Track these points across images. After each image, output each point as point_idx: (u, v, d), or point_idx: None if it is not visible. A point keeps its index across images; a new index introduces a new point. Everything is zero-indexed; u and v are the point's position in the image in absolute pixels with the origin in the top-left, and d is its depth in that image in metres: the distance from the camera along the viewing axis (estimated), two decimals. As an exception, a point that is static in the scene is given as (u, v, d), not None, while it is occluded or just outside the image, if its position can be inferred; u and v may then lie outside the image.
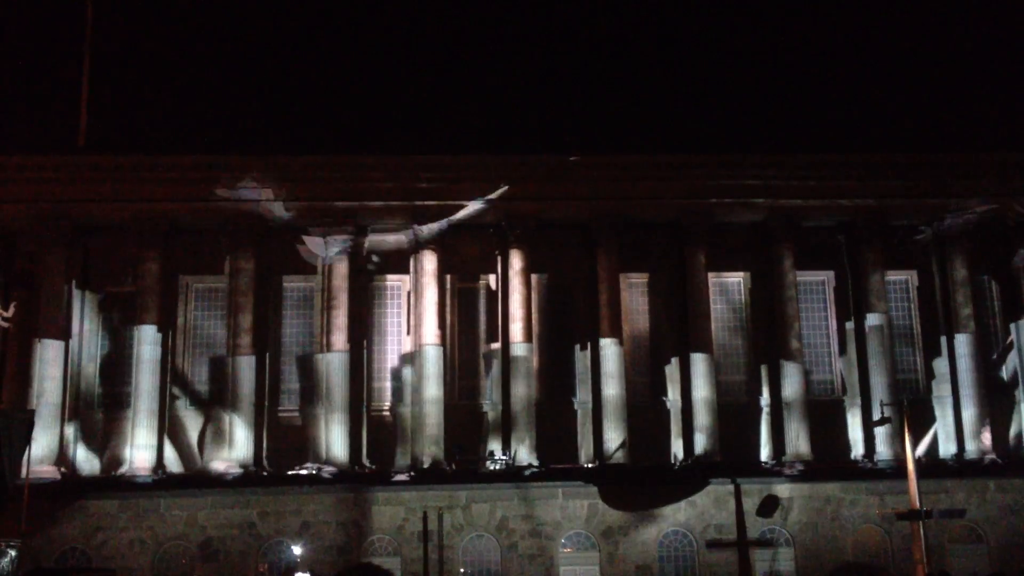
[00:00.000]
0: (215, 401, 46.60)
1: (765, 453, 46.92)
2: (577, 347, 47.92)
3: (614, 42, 58.49)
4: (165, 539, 43.04)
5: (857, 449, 46.89)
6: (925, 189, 48.02)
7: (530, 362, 46.46)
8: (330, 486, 43.73)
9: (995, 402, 47.56)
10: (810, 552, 43.92)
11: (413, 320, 47.01)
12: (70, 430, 45.56)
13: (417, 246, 47.05)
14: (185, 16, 55.13)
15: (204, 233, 47.43)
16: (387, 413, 47.28)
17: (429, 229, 46.81)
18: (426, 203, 46.86)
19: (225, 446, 45.17)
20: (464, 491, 43.83)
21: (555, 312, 48.62)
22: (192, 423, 46.68)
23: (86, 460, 45.79)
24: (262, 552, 43.32)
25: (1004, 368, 48.74)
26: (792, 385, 46.51)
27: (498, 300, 47.85)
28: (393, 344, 48.03)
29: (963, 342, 47.50)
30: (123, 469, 44.80)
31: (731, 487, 44.19)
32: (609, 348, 46.41)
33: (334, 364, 45.70)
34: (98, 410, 46.74)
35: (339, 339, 45.95)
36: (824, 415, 47.10)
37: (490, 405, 47.14)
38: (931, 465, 44.98)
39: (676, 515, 44.07)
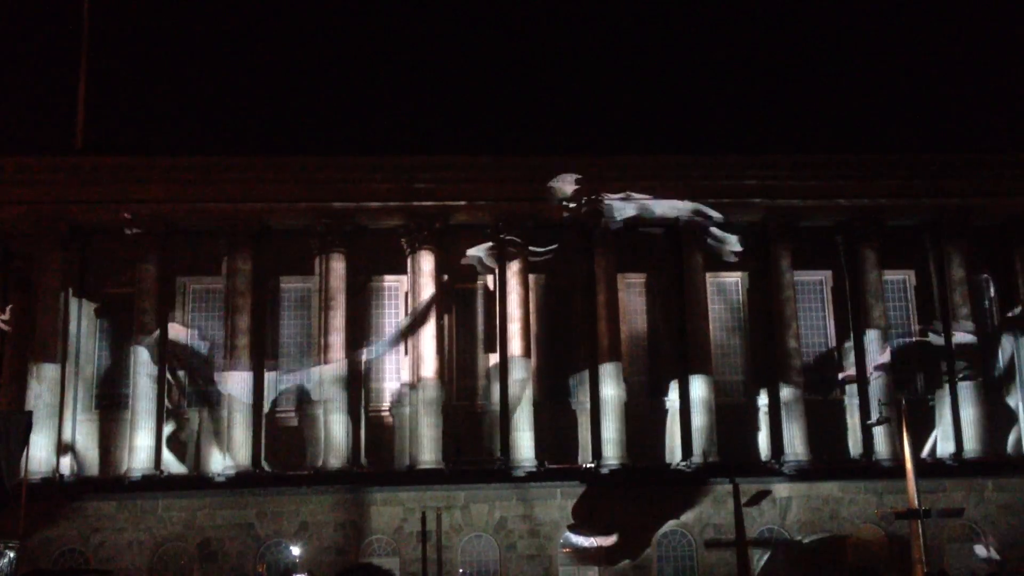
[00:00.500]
0: (213, 402, 46.53)
1: (763, 453, 46.89)
2: (575, 347, 47.85)
3: (612, 43, 58.60)
4: (163, 540, 42.96)
5: (856, 448, 46.86)
6: (922, 189, 48.09)
7: (528, 362, 46.43)
8: (328, 487, 43.66)
9: (993, 401, 47.57)
10: (805, 550, 43.90)
11: (411, 321, 46.93)
12: (68, 431, 45.44)
13: (415, 247, 47.01)
14: (182, 17, 55.20)
15: (201, 234, 47.38)
16: (385, 414, 47.23)
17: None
18: (424, 203, 46.86)
19: (223, 447, 45.11)
20: (462, 491, 43.80)
21: (553, 313, 48.59)
22: (190, 424, 46.59)
23: (84, 461, 45.70)
24: (260, 553, 43.23)
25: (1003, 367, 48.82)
26: (789, 385, 46.50)
27: (496, 301, 47.80)
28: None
29: (961, 341, 47.47)
30: (121, 470, 44.75)
31: (729, 487, 44.12)
32: (607, 348, 46.37)
33: (332, 365, 45.65)
34: (96, 411, 46.66)
35: (337, 340, 45.90)
36: (822, 415, 47.07)
37: (488, 405, 47.09)
38: (929, 464, 45.00)
39: (675, 514, 44.01)
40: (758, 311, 48.54)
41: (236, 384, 45.35)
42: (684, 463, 46.10)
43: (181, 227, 47.21)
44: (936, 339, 48.55)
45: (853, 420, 47.33)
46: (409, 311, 47.18)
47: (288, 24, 57.36)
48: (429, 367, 45.83)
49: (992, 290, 49.89)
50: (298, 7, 58.09)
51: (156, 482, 44.05)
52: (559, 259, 48.62)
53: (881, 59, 57.49)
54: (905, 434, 38.96)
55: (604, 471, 45.08)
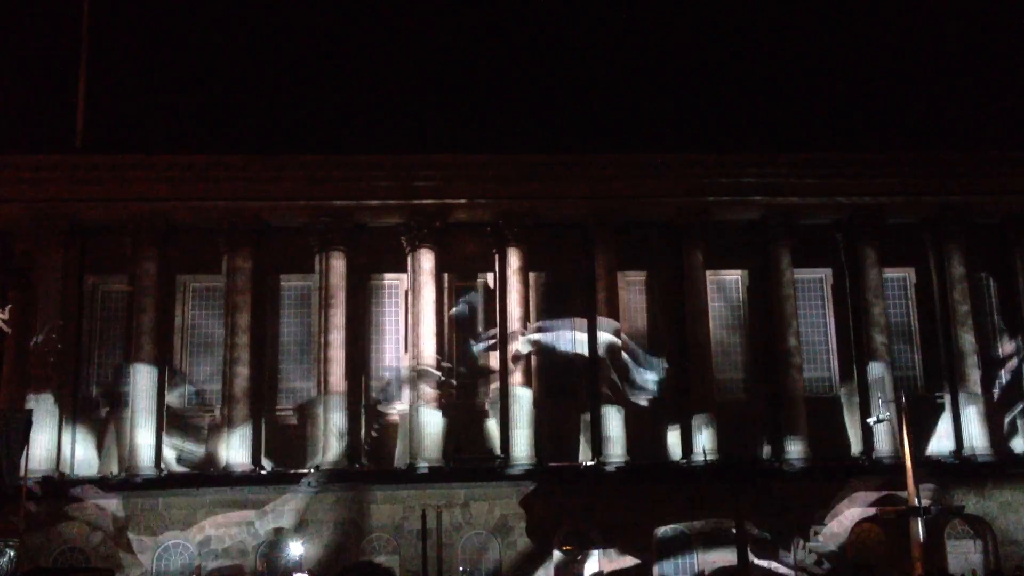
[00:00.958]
0: (213, 400, 46.57)
1: (764, 451, 46.88)
2: (575, 346, 47.87)
3: (611, 42, 58.54)
4: (164, 538, 43.00)
5: (855, 446, 46.87)
6: (922, 186, 48.08)
7: (528, 361, 46.44)
8: (329, 485, 43.67)
9: (993, 399, 47.57)
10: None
11: (411, 319, 46.96)
12: (68, 429, 45.45)
13: (415, 245, 47.03)
14: (182, 16, 55.15)
15: (202, 232, 47.40)
16: (385, 411, 47.22)
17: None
18: (424, 202, 46.88)
19: (224, 445, 45.11)
20: (463, 490, 43.82)
21: (553, 310, 48.57)
22: (190, 422, 46.61)
23: (84, 459, 45.69)
24: (261, 551, 43.29)
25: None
26: (789, 382, 46.51)
27: (496, 299, 47.81)
28: (391, 342, 47.97)
29: (961, 339, 47.46)
30: (122, 468, 44.74)
31: (727, 485, 44.11)
32: (607, 347, 46.40)
33: (331, 363, 45.67)
34: (96, 409, 46.66)
35: (337, 338, 45.92)
36: (822, 412, 47.08)
37: (488, 404, 47.11)
38: (929, 462, 45.00)
39: (674, 512, 44.02)
40: (758, 309, 48.55)
41: (236, 382, 45.34)
42: (684, 461, 46.10)
43: (181, 225, 47.25)
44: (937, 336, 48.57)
45: (853, 418, 47.19)
46: (409, 309, 47.18)
47: (288, 23, 57.33)
48: (429, 365, 45.80)
49: (992, 287, 49.85)
50: (298, 6, 58.07)
51: (157, 480, 44.06)
52: (559, 257, 48.63)
53: (881, 56, 57.43)
54: (905, 432, 39.01)
55: (609, 469, 45.05)
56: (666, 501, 43.98)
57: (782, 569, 43.46)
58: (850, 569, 43.58)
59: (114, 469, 45.02)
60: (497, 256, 48.02)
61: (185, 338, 47.57)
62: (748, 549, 42.56)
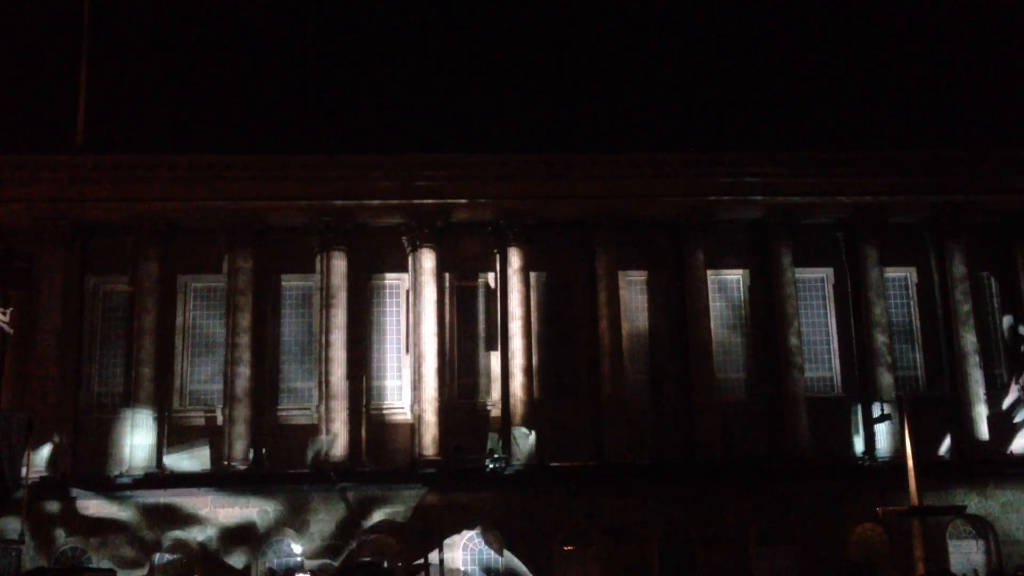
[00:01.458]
0: (214, 400, 46.58)
1: (765, 451, 46.85)
2: (576, 345, 47.87)
3: (612, 40, 58.51)
4: (165, 538, 43.01)
5: (857, 446, 46.84)
6: (923, 185, 48.03)
7: (529, 360, 46.44)
8: (330, 484, 43.67)
9: (995, 399, 47.54)
10: (810, 551, 43.90)
11: (412, 319, 46.97)
12: (70, 430, 45.44)
13: (415, 245, 47.04)
14: (183, 15, 55.15)
15: (203, 232, 47.42)
16: (387, 412, 47.23)
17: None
18: (424, 202, 46.88)
19: (224, 445, 45.11)
20: (464, 490, 43.79)
21: (554, 310, 48.59)
22: (191, 422, 46.61)
23: (86, 460, 45.64)
24: (262, 551, 43.31)
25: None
26: (791, 382, 46.50)
27: (497, 298, 47.83)
28: (392, 343, 47.97)
29: (963, 339, 47.43)
30: (123, 468, 44.71)
31: (731, 484, 44.18)
32: (608, 346, 46.39)
33: (333, 363, 45.68)
34: (98, 409, 46.66)
35: (338, 338, 45.93)
36: (824, 412, 47.06)
37: (490, 404, 47.12)
38: (931, 462, 44.95)
39: (675, 514, 44.01)
40: (759, 308, 48.52)
41: (237, 382, 45.36)
42: (686, 461, 46.02)
43: (182, 225, 47.26)
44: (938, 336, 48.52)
45: (855, 418, 47.17)
46: (410, 309, 47.19)
47: (289, 22, 57.34)
48: (430, 365, 45.82)
49: (994, 287, 49.83)
50: (298, 5, 58.05)
51: (157, 480, 44.04)
52: (561, 257, 48.64)
53: (882, 55, 57.40)
54: (907, 432, 39.01)
55: (605, 469, 45.02)
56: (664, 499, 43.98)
57: None
58: (851, 569, 43.60)
59: (115, 469, 44.96)
60: (498, 256, 48.03)
61: (186, 338, 47.54)
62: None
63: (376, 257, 48.19)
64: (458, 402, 47.06)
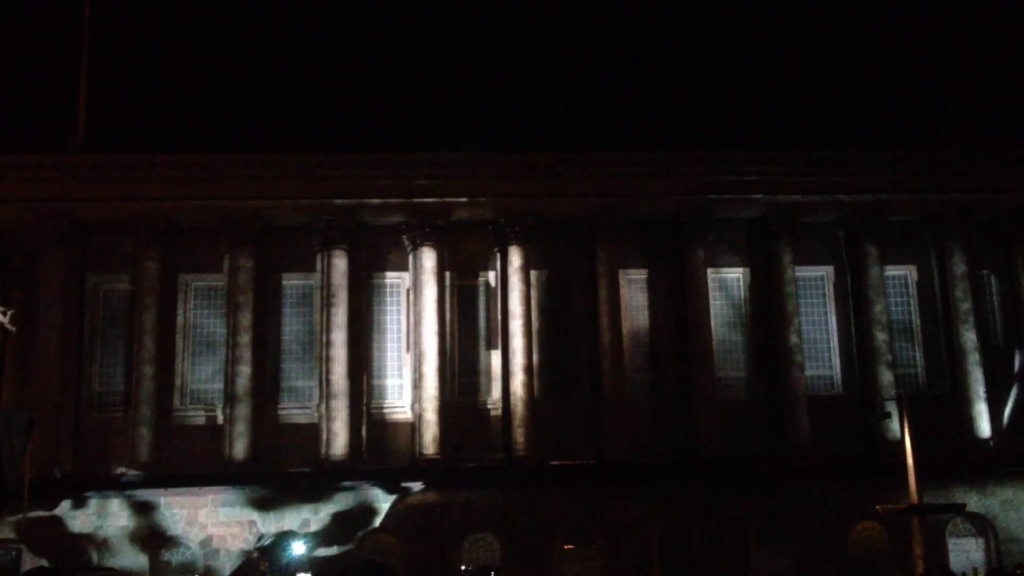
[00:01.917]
0: (215, 399, 46.63)
1: (765, 449, 46.87)
2: (577, 344, 47.90)
3: (612, 38, 58.45)
4: (165, 538, 43.07)
5: (857, 445, 46.83)
6: (923, 184, 48.06)
7: (530, 359, 46.47)
8: (331, 484, 43.72)
9: (995, 397, 47.54)
10: (810, 549, 43.94)
11: (412, 317, 47.01)
12: (70, 429, 45.49)
13: (416, 243, 47.08)
14: (183, 14, 55.11)
15: (203, 231, 47.45)
16: (387, 410, 47.27)
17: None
18: (425, 200, 46.92)
19: (225, 444, 45.15)
20: (464, 488, 43.83)
21: (555, 309, 48.63)
22: (192, 421, 46.67)
23: (87, 459, 45.72)
24: (263, 550, 43.33)
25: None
26: (791, 381, 46.52)
27: (498, 297, 47.86)
28: (393, 341, 48.00)
29: (963, 337, 47.44)
30: (123, 467, 44.76)
31: (729, 483, 44.20)
32: (608, 344, 46.41)
33: (334, 362, 45.71)
34: (98, 409, 46.72)
35: (339, 337, 45.96)
36: (824, 411, 47.08)
37: (490, 402, 47.16)
38: (931, 460, 44.92)
39: (676, 512, 44.06)
40: (760, 307, 48.56)
41: (238, 381, 45.39)
42: (685, 459, 46.06)
43: (183, 224, 47.31)
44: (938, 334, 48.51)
45: (856, 416, 47.20)
46: (411, 308, 47.23)
47: (288, 21, 57.29)
48: (430, 364, 45.86)
49: (994, 285, 49.84)
50: (298, 6, 58.03)
51: (158, 479, 44.06)
52: (561, 255, 48.67)
53: (882, 54, 57.35)
54: (907, 430, 39.02)
55: (606, 468, 45.03)
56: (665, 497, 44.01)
57: None
58: (850, 567, 43.63)
59: (116, 468, 45.00)
60: (499, 254, 48.07)
61: (187, 337, 47.59)
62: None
63: (377, 256, 48.23)
64: (459, 401, 47.10)
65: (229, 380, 45.70)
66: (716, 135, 50.43)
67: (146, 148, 47.46)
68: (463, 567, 43.26)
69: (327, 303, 46.51)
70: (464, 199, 47.14)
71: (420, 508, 43.07)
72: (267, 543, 43.25)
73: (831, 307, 49.09)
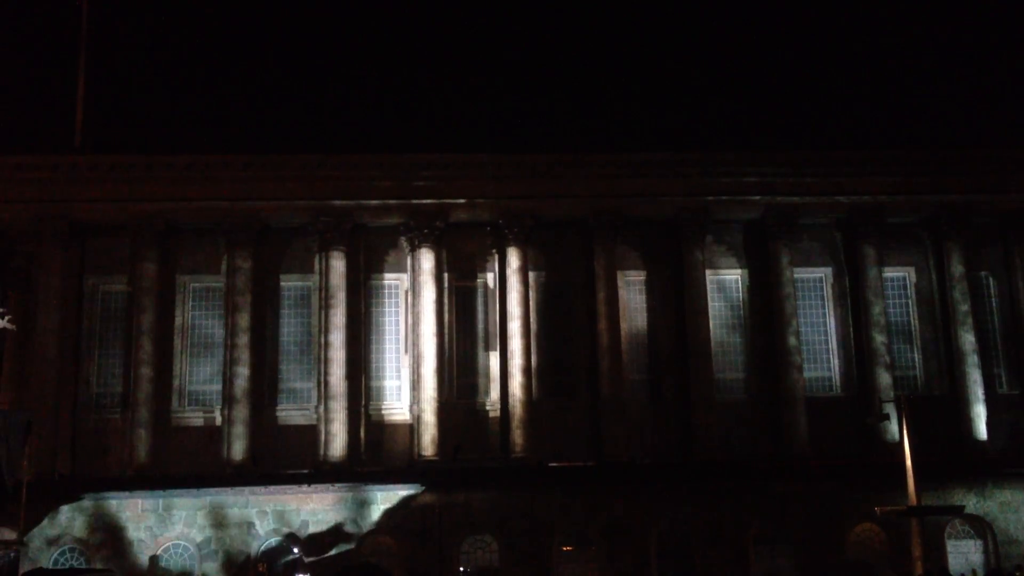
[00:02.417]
0: (213, 400, 46.60)
1: (763, 450, 46.87)
2: (575, 345, 47.89)
3: (610, 40, 58.55)
4: (164, 539, 43.04)
5: (856, 446, 46.84)
6: (922, 185, 48.07)
7: (528, 360, 46.47)
8: (329, 485, 43.68)
9: (993, 399, 47.56)
10: (809, 550, 43.92)
11: (411, 319, 47.01)
12: (69, 429, 45.47)
13: (415, 245, 47.08)
14: (182, 15, 55.18)
15: (201, 233, 47.46)
16: (386, 412, 47.25)
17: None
18: (423, 201, 46.92)
19: (224, 445, 45.13)
20: (463, 490, 43.79)
21: (553, 310, 48.61)
22: (190, 422, 46.63)
23: (85, 459, 45.69)
24: (261, 551, 43.32)
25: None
26: (789, 382, 46.52)
27: (496, 298, 47.86)
28: (391, 343, 47.98)
29: (961, 338, 47.44)
30: (122, 468, 44.73)
31: (727, 485, 44.17)
32: (606, 346, 46.42)
33: (332, 363, 45.69)
34: (96, 410, 46.68)
35: (337, 338, 45.95)
36: (822, 412, 47.08)
37: (489, 404, 47.15)
38: (930, 462, 44.92)
39: (674, 513, 44.05)
40: (758, 308, 48.55)
41: (236, 382, 45.36)
42: (684, 460, 46.04)
43: (181, 225, 47.31)
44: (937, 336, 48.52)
45: (854, 418, 47.19)
46: (409, 309, 47.22)
47: (287, 22, 57.36)
48: (429, 365, 45.85)
49: (992, 286, 49.85)
50: (297, 6, 58.09)
51: (157, 480, 43.99)
52: (559, 257, 48.68)
53: (880, 55, 57.46)
54: (905, 431, 38.99)
55: (605, 469, 44.99)
56: (663, 499, 44.01)
57: None
58: (850, 569, 43.60)
59: (114, 469, 44.97)
60: (497, 256, 48.07)
61: (185, 338, 47.54)
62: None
63: (375, 257, 48.23)
64: (457, 402, 47.08)
65: (227, 381, 45.67)
66: (714, 137, 50.54)
67: (145, 149, 47.51)
68: (461, 568, 43.22)
69: (325, 304, 46.50)
70: (463, 200, 47.15)
71: (418, 509, 43.01)
72: (266, 545, 43.24)
73: (829, 309, 49.08)
